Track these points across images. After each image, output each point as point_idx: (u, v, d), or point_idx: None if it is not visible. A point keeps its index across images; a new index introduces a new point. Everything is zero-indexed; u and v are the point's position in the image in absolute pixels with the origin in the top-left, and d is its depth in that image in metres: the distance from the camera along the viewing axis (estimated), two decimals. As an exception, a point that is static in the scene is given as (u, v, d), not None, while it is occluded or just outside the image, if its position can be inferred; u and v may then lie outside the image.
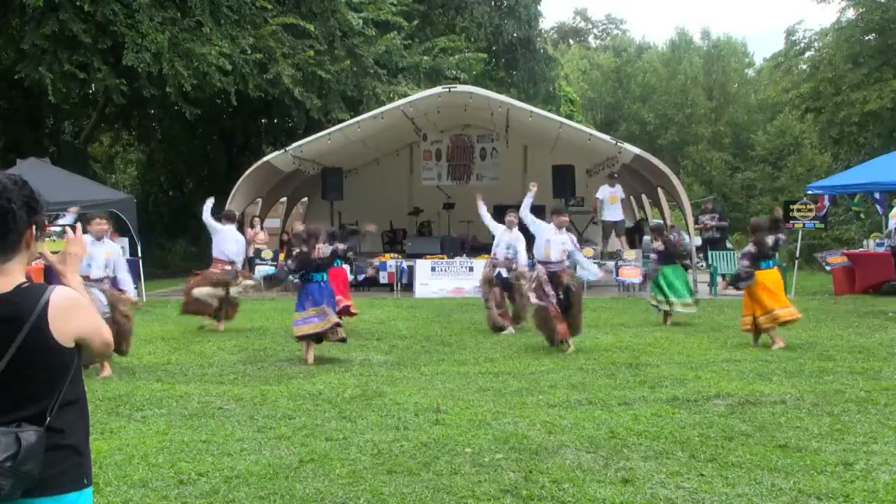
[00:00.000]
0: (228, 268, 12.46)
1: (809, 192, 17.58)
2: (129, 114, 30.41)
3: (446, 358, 9.57)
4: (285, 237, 22.57)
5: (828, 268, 18.09)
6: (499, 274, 11.89)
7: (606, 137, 19.23)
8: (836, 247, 22.32)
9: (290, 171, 19.97)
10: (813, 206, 16.98)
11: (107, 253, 8.92)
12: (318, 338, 9.42)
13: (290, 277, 9.85)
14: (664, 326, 12.19)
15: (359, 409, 6.86)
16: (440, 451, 5.60)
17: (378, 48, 23.97)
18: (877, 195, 18.61)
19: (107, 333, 2.51)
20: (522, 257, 11.87)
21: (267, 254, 18.55)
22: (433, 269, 18.07)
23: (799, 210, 17.23)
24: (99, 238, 8.88)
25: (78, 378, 2.46)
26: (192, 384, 8.05)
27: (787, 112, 39.41)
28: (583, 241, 19.76)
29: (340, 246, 10.94)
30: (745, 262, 10.23)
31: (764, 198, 40.06)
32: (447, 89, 18.81)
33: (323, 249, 9.84)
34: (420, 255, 18.73)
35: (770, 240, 10.20)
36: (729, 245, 20.85)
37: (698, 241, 18.98)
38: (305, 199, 24.44)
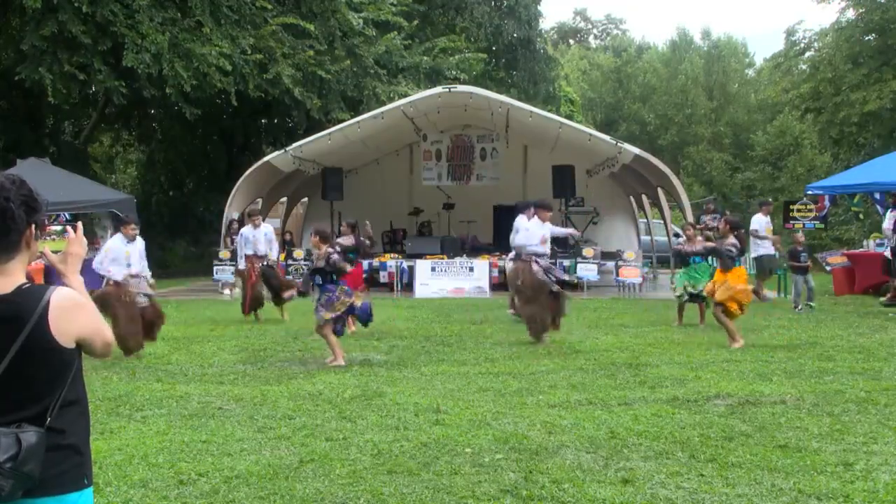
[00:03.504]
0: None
1: (809, 192, 17.57)
2: (129, 114, 30.43)
3: (446, 358, 9.57)
4: (287, 237, 22.62)
5: (828, 268, 18.09)
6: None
7: (606, 138, 19.24)
8: (836, 247, 22.32)
9: (290, 171, 19.98)
10: (813, 207, 16.97)
11: (126, 252, 9.92)
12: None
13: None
14: (676, 326, 12.18)
15: (359, 409, 6.86)
16: (440, 451, 5.60)
17: (378, 48, 23.98)
18: (877, 195, 18.59)
19: (108, 334, 2.51)
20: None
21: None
22: (433, 269, 18.07)
23: (799, 210, 17.21)
24: (132, 240, 10.06)
25: (79, 378, 2.46)
26: (192, 384, 8.05)
27: (787, 112, 39.38)
28: (583, 242, 19.78)
29: (345, 244, 10.84)
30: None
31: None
32: (447, 89, 18.82)
33: (334, 256, 9.56)
34: (420, 255, 18.73)
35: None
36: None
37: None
38: (305, 199, 24.46)
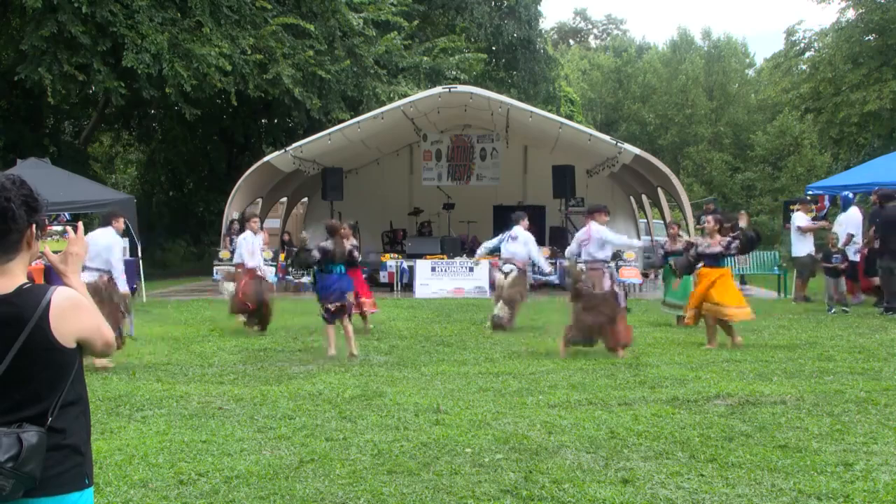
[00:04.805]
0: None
1: (810, 192, 17.55)
2: (129, 114, 30.44)
3: (446, 358, 9.57)
4: (286, 237, 22.62)
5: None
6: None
7: (606, 138, 19.24)
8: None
9: (290, 171, 19.98)
10: (813, 207, 16.94)
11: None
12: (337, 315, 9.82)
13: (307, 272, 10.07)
14: (677, 326, 12.13)
15: (359, 409, 6.86)
16: (440, 451, 5.60)
17: (378, 48, 23.98)
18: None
19: (108, 333, 2.51)
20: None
21: (267, 254, 18.53)
22: (433, 269, 18.08)
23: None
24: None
25: (79, 378, 2.46)
26: (192, 384, 8.05)
27: (786, 112, 39.40)
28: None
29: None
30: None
31: (764, 198, 40.04)
32: (447, 89, 18.83)
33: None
34: (420, 256, 18.74)
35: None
36: None
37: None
38: (305, 199, 24.46)
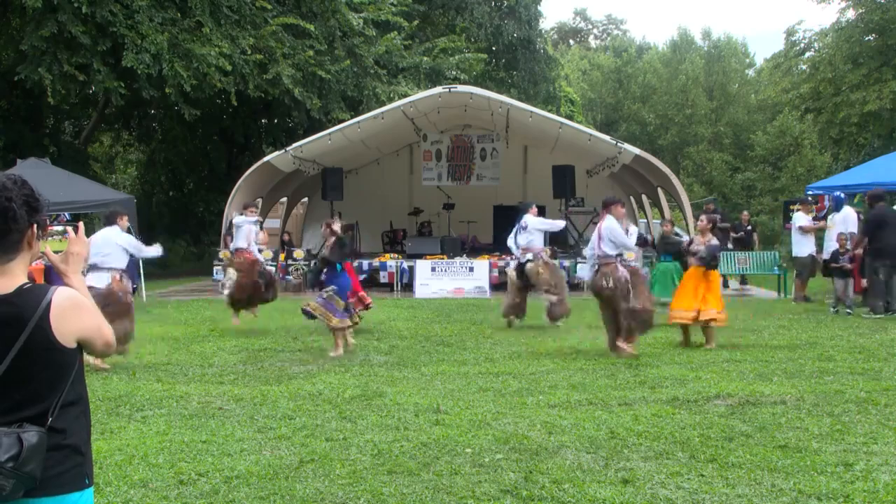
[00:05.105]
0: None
1: (810, 192, 17.55)
2: (129, 114, 30.43)
3: (446, 358, 9.57)
4: (286, 237, 22.62)
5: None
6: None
7: (606, 138, 19.24)
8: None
9: (290, 171, 19.97)
10: (813, 207, 16.95)
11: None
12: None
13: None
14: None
15: (359, 409, 6.87)
16: (440, 451, 5.60)
17: (378, 48, 23.98)
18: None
19: (108, 333, 2.51)
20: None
21: (267, 254, 18.52)
22: (433, 269, 18.08)
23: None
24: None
25: (80, 378, 2.47)
26: (192, 384, 8.05)
27: (786, 112, 39.38)
28: (583, 242, 19.78)
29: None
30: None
31: (764, 198, 40.04)
32: (447, 89, 18.82)
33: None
34: (420, 256, 18.74)
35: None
36: (730, 245, 20.75)
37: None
38: (305, 199, 24.46)
